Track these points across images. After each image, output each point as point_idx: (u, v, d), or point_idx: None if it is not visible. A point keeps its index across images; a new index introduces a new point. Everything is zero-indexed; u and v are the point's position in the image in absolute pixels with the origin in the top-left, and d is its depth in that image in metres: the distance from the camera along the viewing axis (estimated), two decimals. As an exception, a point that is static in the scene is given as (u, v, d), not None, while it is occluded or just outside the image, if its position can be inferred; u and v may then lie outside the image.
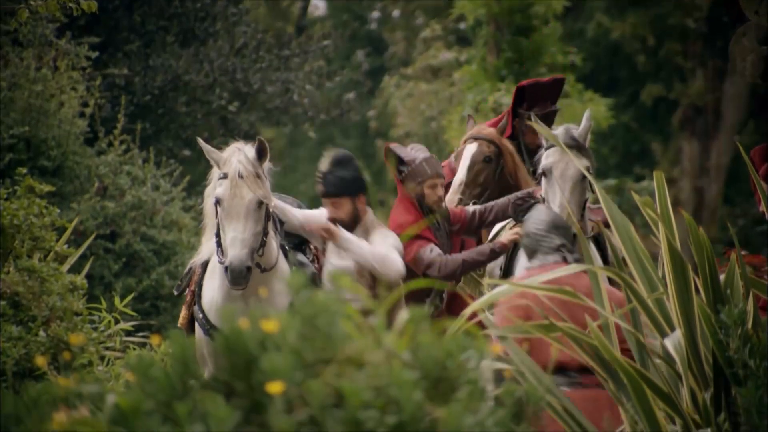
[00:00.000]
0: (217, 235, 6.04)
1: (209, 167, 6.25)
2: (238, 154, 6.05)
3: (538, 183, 6.66)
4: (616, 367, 4.08)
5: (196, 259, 6.38)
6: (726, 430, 3.87)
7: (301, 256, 6.57)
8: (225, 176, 6.02)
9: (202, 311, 6.21)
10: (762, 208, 4.66)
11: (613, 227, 4.42)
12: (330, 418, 2.95)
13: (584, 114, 6.51)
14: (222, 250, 5.98)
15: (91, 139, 13.37)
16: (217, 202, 6.00)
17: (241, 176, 5.97)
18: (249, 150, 6.12)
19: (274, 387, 2.97)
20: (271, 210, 6.08)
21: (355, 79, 22.97)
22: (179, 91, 16.42)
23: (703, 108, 21.21)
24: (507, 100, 16.16)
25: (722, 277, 4.23)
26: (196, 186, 15.44)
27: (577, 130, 6.44)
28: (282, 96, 17.31)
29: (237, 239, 5.88)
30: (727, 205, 21.28)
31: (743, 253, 5.71)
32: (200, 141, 6.19)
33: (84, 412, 3.06)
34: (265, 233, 6.00)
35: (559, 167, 6.30)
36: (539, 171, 6.47)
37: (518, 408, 3.01)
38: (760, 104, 20.33)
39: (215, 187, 6.06)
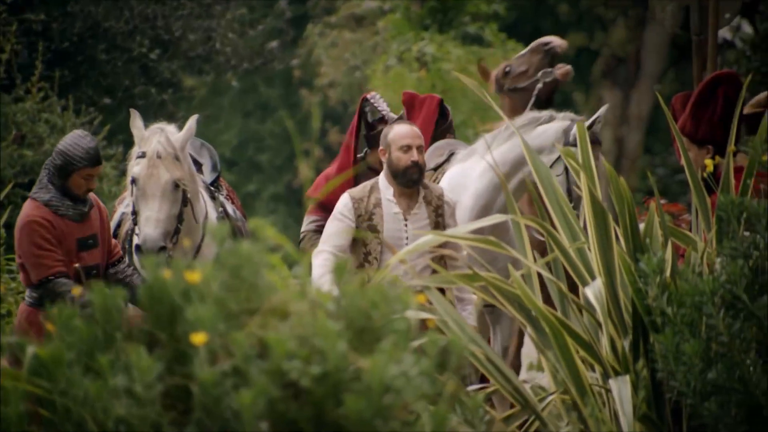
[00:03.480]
0: (134, 213, 6.01)
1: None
2: (159, 135, 6.00)
3: None
4: (538, 316, 4.13)
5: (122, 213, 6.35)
6: (644, 377, 3.94)
7: (228, 205, 6.56)
8: (143, 155, 5.97)
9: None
10: (683, 161, 4.72)
11: (536, 177, 4.45)
12: (254, 369, 2.95)
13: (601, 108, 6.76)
14: (137, 229, 5.96)
15: (7, 86, 13.13)
16: (133, 181, 5.97)
17: (159, 156, 5.93)
18: (172, 130, 6.08)
19: (198, 338, 2.96)
20: (188, 194, 6.03)
21: (278, 28, 22.78)
22: (99, 38, 16.18)
23: (624, 58, 21.38)
24: (431, 49, 16.16)
25: (642, 226, 4.29)
26: (117, 134, 15.26)
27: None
28: (204, 44, 17.13)
29: (151, 218, 5.87)
30: (647, 154, 21.52)
31: (662, 202, 5.80)
32: (133, 113, 6.11)
33: (3, 364, 3.03)
34: (180, 220, 5.98)
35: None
36: None
37: (442, 358, 3.04)
38: (680, 53, 20.53)
39: (133, 166, 6.03)
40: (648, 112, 20.81)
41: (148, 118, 6.24)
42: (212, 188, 6.54)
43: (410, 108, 7.53)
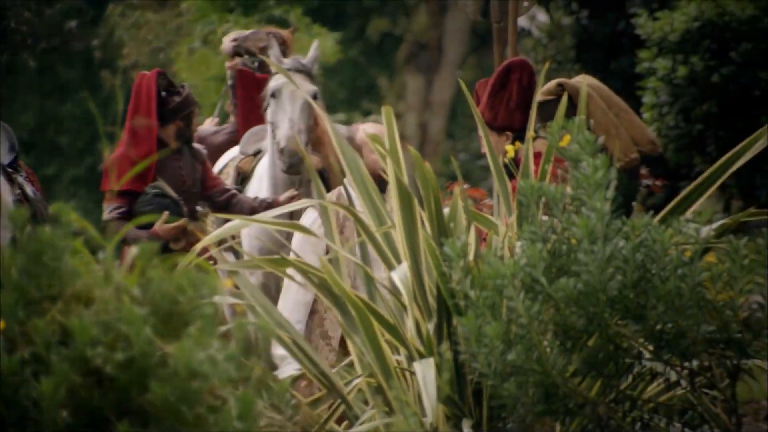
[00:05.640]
0: None
1: None
2: None
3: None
4: (345, 300, 4.16)
5: None
6: (447, 359, 4.00)
7: (28, 187, 6.39)
8: None
9: None
10: (484, 147, 4.81)
11: (342, 161, 4.47)
12: (55, 356, 2.88)
13: (312, 45, 6.67)
14: None
15: None
16: None
17: None
18: None
19: (-4, 325, 2.89)
20: None
21: (77, 7, 22.24)
22: None
23: (426, 44, 21.69)
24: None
25: (446, 210, 4.36)
26: None
27: (305, 59, 6.59)
28: (-1, 22, 16.59)
29: None
30: (450, 139, 21.91)
31: (465, 186, 5.91)
32: None
33: None
34: None
35: (289, 87, 6.40)
36: (268, 94, 6.55)
37: (249, 343, 3.03)
38: (481, 40, 20.96)
39: None
40: (450, 98, 21.20)
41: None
42: (10, 170, 6.36)
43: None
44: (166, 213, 6.29)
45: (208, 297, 2.98)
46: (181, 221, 6.27)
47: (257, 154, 6.96)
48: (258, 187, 6.80)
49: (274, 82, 6.49)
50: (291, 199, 6.32)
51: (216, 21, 16.42)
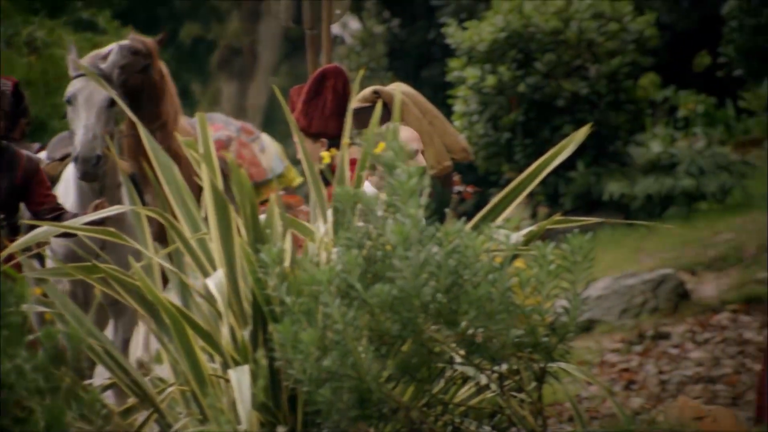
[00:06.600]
0: None
1: None
2: None
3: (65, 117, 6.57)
4: (159, 307, 4.10)
5: None
6: (263, 366, 3.99)
7: None
8: None
9: None
10: (300, 154, 4.81)
11: (156, 167, 4.40)
12: None
13: (113, 48, 6.56)
14: None
15: None
16: None
17: None
18: None
19: None
20: None
21: None
22: None
23: (240, 49, 21.62)
24: (41, 33, 15.67)
25: (262, 217, 4.34)
26: None
27: (104, 63, 6.48)
28: None
29: None
30: (264, 145, 21.85)
31: (281, 193, 5.90)
32: None
33: None
34: None
35: (84, 93, 6.27)
36: (65, 100, 6.41)
37: (58, 351, 2.95)
38: (294, 47, 21.01)
39: None
40: (265, 104, 21.17)
41: None
42: None
43: None
44: None
45: (15, 305, 2.89)
46: None
47: (64, 158, 6.80)
48: (65, 192, 6.65)
49: (70, 88, 6.35)
50: (96, 208, 6.17)
51: (20, 23, 15.99)
